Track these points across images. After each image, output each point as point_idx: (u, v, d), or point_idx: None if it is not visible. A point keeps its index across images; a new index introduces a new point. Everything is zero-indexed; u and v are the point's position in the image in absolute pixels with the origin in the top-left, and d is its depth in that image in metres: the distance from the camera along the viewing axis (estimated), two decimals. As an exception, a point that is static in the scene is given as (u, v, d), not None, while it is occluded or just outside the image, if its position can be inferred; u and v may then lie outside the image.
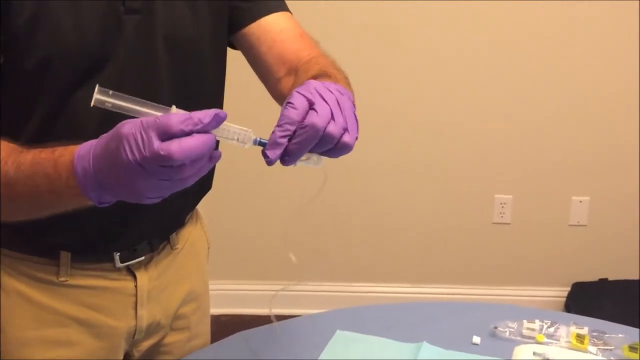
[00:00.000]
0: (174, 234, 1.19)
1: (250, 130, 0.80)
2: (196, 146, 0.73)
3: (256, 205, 2.78)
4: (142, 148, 0.72)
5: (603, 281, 2.74)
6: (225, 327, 1.86)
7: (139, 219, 1.09)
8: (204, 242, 1.31)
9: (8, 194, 0.87)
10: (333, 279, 2.83)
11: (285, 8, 1.15)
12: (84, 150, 0.79)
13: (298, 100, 0.79)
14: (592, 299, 2.66)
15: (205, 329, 1.33)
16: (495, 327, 1.23)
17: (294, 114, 0.78)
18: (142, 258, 1.13)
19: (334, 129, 0.79)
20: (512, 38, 2.57)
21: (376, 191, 2.75)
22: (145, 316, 1.16)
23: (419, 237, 2.80)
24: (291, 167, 0.81)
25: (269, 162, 0.79)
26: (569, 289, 2.76)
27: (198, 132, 0.73)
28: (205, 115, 0.74)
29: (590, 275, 2.76)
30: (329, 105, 0.80)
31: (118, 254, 1.10)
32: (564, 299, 2.75)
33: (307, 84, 0.82)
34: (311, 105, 0.79)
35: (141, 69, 1.00)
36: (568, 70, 2.59)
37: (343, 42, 2.47)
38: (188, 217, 1.23)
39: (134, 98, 0.77)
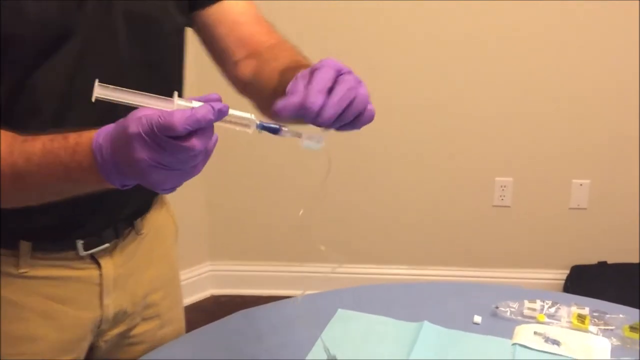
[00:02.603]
0: (139, 220, 1.16)
1: (252, 115, 0.80)
2: (208, 132, 0.74)
3: (257, 186, 2.77)
4: (156, 147, 0.72)
5: (602, 264, 2.75)
6: (225, 307, 1.86)
7: (105, 204, 1.06)
8: (172, 227, 1.28)
9: (18, 185, 0.84)
10: (333, 261, 2.83)
11: None
12: (102, 139, 0.78)
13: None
14: (591, 282, 2.66)
15: (178, 315, 1.31)
16: (497, 307, 1.23)
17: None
18: (107, 245, 1.10)
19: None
20: (513, 23, 2.55)
21: (376, 174, 2.75)
22: (112, 305, 1.13)
23: (419, 220, 2.80)
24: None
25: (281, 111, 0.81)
26: (568, 271, 2.76)
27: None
28: (208, 112, 0.73)
29: (590, 258, 2.76)
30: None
31: (81, 241, 1.07)
32: (563, 282, 2.76)
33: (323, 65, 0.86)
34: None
35: (101, 44, 0.97)
36: (569, 55, 2.58)
37: (343, 28, 2.46)
38: (154, 201, 1.20)
39: (135, 91, 0.76)
